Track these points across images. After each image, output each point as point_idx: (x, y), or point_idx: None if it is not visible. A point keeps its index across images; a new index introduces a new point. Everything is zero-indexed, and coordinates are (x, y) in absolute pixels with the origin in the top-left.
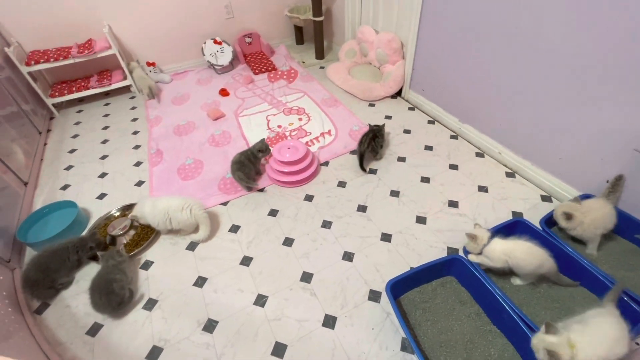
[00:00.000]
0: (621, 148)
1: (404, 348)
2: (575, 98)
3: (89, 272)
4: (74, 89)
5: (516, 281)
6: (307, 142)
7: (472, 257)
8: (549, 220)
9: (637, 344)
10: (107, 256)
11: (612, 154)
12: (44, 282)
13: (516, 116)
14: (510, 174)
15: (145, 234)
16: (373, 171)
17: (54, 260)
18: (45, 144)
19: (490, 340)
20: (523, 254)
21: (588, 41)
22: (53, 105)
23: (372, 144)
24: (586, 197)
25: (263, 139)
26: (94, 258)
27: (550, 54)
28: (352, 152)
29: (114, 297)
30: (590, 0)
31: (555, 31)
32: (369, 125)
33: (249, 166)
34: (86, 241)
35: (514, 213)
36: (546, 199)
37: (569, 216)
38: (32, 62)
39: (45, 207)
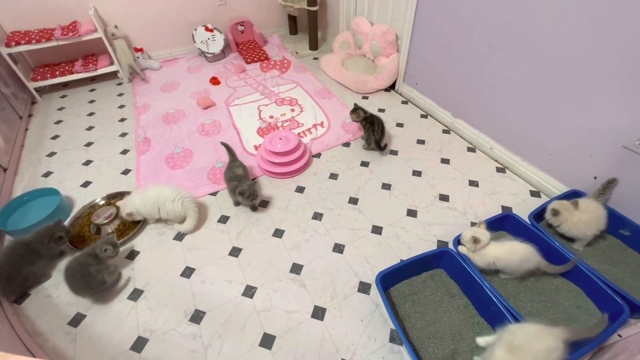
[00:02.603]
0: (610, 145)
1: (392, 339)
2: (566, 95)
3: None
4: (57, 73)
5: (505, 274)
6: (299, 134)
7: (462, 249)
8: (538, 215)
9: (620, 335)
10: (99, 245)
11: (600, 150)
12: (16, 278)
13: (508, 112)
14: (501, 169)
15: (132, 223)
16: (365, 164)
17: (27, 253)
18: (26, 130)
19: (478, 332)
20: (507, 254)
21: (580, 40)
22: (35, 89)
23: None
24: (575, 193)
25: (251, 187)
26: (76, 245)
27: (542, 51)
28: (345, 145)
29: (91, 279)
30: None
31: (548, 29)
32: (361, 110)
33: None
34: (53, 230)
35: (503, 207)
36: (535, 194)
37: (555, 212)
38: (13, 44)
39: (25, 194)
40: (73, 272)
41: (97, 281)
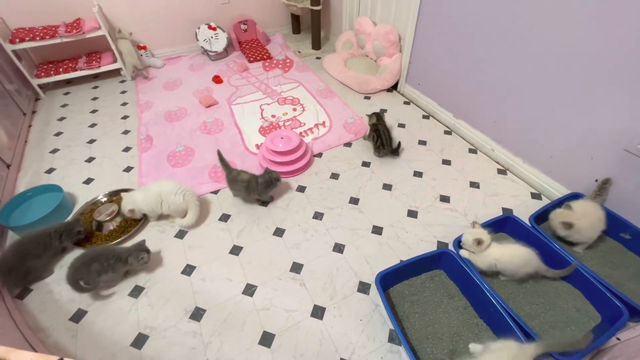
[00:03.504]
0: (611, 148)
1: (391, 339)
2: (568, 97)
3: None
4: (60, 70)
5: (504, 276)
6: (301, 133)
7: (463, 253)
8: (538, 217)
9: (618, 339)
10: (135, 253)
11: (602, 153)
12: (19, 271)
13: (509, 113)
14: (502, 171)
15: (133, 220)
16: (366, 164)
17: (35, 247)
18: (30, 126)
19: (477, 333)
20: (509, 256)
21: (582, 42)
22: (39, 86)
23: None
24: (574, 196)
25: (274, 177)
26: (79, 243)
27: (544, 52)
28: (346, 145)
29: (82, 272)
30: (585, 0)
31: (549, 30)
32: (374, 116)
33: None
34: (72, 225)
35: (504, 209)
36: (536, 196)
37: (569, 226)
38: (17, 40)
39: (28, 190)
40: (82, 256)
41: (85, 276)
